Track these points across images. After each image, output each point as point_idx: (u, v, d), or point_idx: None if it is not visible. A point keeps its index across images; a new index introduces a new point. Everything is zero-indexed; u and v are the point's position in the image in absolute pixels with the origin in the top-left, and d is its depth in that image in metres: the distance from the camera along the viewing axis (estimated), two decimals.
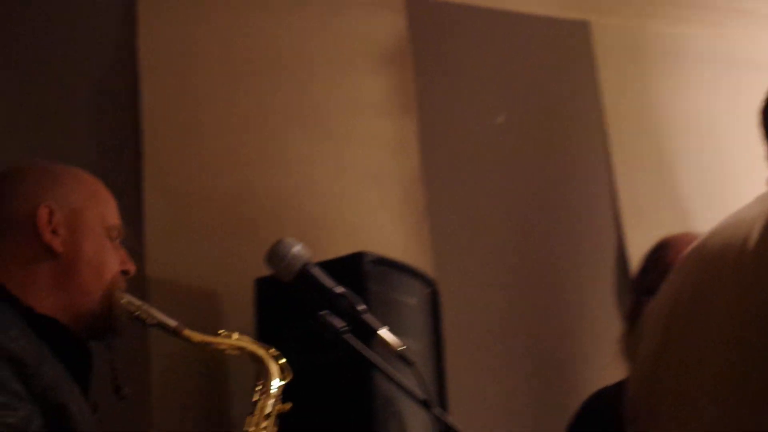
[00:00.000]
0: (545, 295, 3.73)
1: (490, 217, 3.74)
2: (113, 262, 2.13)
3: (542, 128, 3.94)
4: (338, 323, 2.05)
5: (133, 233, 2.29)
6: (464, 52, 3.92)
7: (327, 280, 2.09)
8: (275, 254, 2.11)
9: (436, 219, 3.58)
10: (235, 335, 2.23)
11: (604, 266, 3.85)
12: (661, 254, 2.99)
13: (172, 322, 2.13)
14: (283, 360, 2.25)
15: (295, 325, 2.89)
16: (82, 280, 2.07)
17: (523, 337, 3.64)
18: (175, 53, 3.35)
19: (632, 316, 3.01)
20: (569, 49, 4.09)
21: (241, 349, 2.22)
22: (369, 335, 2.10)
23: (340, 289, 2.09)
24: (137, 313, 2.11)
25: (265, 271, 3.05)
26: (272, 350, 2.26)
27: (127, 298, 2.12)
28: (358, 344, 2.07)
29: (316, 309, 2.88)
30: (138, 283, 2.42)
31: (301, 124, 3.44)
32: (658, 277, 2.95)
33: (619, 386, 2.98)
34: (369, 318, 2.08)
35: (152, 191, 3.19)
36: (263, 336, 2.89)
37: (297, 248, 2.11)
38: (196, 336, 2.15)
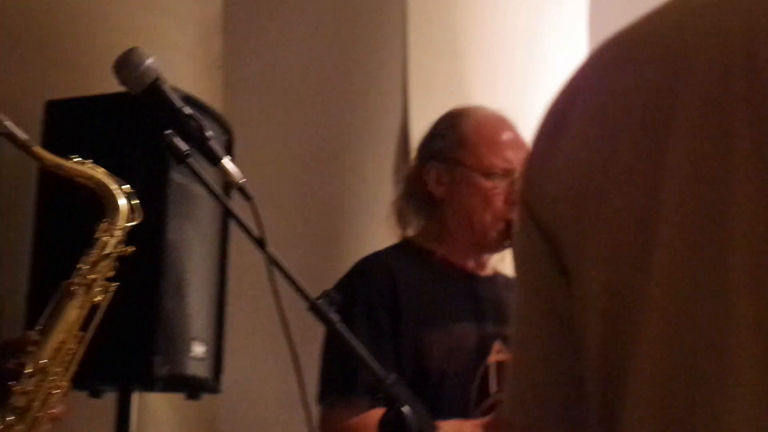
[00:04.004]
0: (328, 161, 3.71)
1: (285, 77, 3.67)
2: None
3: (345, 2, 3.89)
4: (183, 145, 1.92)
5: None
6: None
7: (177, 99, 1.94)
8: (128, 61, 1.94)
9: (230, 69, 3.47)
10: (89, 163, 2.08)
11: (387, 139, 3.86)
12: (457, 122, 2.91)
13: (23, 135, 1.96)
14: (136, 201, 2.13)
15: (86, 153, 2.72)
16: None
17: (303, 199, 3.62)
18: None
19: (411, 181, 2.94)
20: None
21: (92, 179, 2.08)
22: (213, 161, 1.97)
23: (188, 110, 1.95)
24: None
25: (58, 95, 2.89)
26: (126, 187, 2.12)
27: None
28: (199, 169, 1.95)
29: (114, 137, 2.75)
30: None
31: None
32: (450, 145, 2.86)
33: (392, 250, 2.92)
34: (214, 145, 1.95)
35: None
36: None
37: (151, 60, 1.95)
38: (47, 155, 1.99)
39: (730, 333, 1.01)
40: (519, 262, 1.26)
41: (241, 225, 1.98)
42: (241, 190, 1.98)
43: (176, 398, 3.04)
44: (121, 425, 2.75)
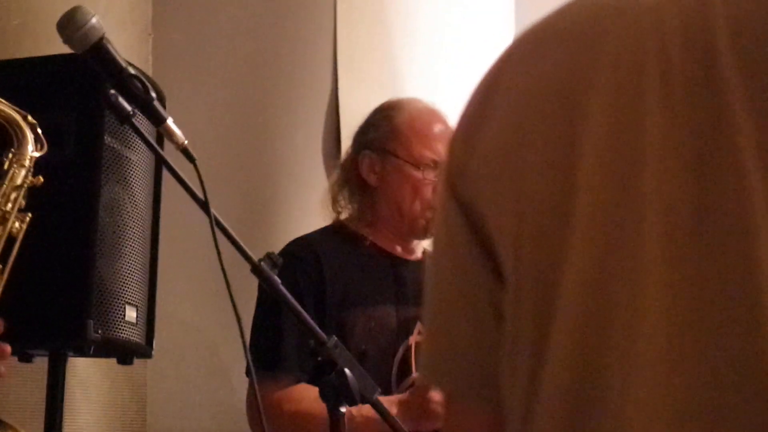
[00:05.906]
0: (257, 131, 3.72)
1: (215, 47, 3.67)
2: None
3: None
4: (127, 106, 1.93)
5: None
6: None
7: (120, 59, 1.95)
8: (72, 20, 1.94)
9: (160, 38, 3.45)
10: None
11: (317, 108, 3.87)
12: (391, 114, 3.04)
13: None
14: (40, 130, 2.12)
15: None
16: None
17: (231, 169, 3.63)
18: None
19: (346, 168, 3.08)
20: None
21: None
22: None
23: (132, 70, 1.95)
24: None
25: None
26: (30, 117, 2.10)
27: None
28: (143, 131, 1.96)
29: (46, 100, 2.72)
30: None
31: None
32: (383, 136, 3.02)
33: (321, 233, 3.04)
34: (158, 105, 1.97)
35: None
36: None
37: (96, 19, 1.95)
38: None
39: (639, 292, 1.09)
40: (440, 233, 1.29)
41: (185, 186, 2.00)
42: (185, 151, 2.00)
43: (106, 363, 3.03)
44: (54, 390, 2.73)
